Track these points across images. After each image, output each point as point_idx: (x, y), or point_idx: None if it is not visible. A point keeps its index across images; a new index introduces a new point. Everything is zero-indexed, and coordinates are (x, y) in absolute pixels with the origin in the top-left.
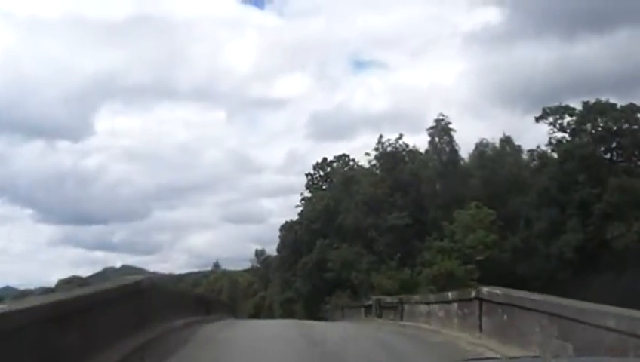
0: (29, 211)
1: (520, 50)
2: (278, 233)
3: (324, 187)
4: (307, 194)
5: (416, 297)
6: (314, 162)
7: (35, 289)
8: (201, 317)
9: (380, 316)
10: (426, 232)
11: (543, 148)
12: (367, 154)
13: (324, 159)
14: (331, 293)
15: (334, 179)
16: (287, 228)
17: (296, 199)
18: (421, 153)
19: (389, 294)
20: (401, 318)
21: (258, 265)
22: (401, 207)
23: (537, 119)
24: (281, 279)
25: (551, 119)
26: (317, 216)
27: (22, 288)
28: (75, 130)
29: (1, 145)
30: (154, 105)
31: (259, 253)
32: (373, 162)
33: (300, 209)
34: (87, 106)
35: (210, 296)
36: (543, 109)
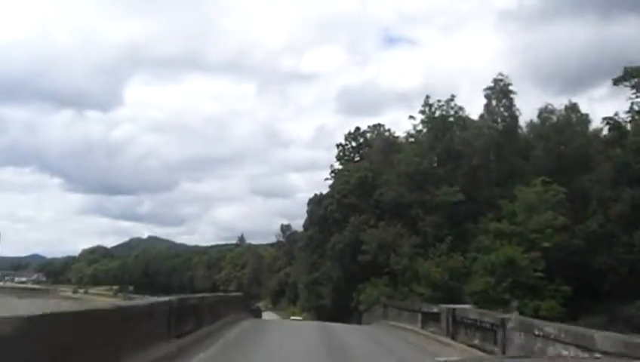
0: (58, 180)
1: (555, 29)
2: (305, 208)
3: (356, 159)
4: (338, 166)
5: (539, 322)
6: (345, 133)
7: (62, 258)
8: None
9: (454, 337)
10: (479, 212)
11: (622, 116)
12: (412, 117)
13: (357, 129)
14: (365, 279)
15: (372, 147)
16: (315, 201)
17: (326, 174)
18: (473, 120)
19: (438, 285)
20: (504, 350)
21: (283, 240)
22: (451, 182)
23: (616, 82)
24: (308, 260)
25: (634, 81)
26: (351, 189)
27: (49, 256)
28: (105, 101)
29: (32, 113)
30: (183, 77)
31: (284, 228)
32: (419, 127)
33: (329, 183)
34: (117, 77)
35: (202, 301)
36: (625, 69)
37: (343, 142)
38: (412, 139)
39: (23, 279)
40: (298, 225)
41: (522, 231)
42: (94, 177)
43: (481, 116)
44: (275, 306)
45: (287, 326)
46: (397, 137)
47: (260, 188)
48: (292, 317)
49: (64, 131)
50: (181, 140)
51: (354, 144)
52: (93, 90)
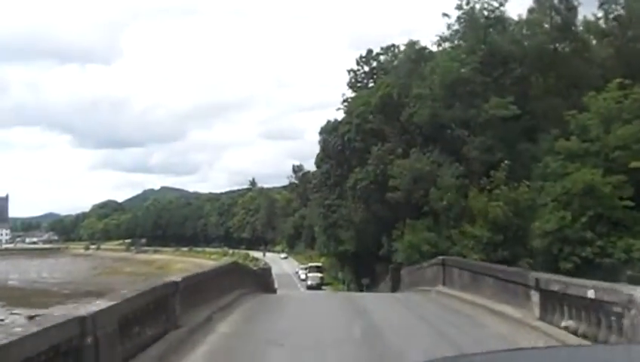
0: (66, 137)
1: None
2: (317, 145)
3: (370, 85)
4: (350, 94)
5: None
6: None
7: (77, 214)
8: None
9: None
10: (538, 128)
11: None
12: (446, 15)
13: (370, 51)
14: (395, 222)
15: (399, 59)
16: (329, 130)
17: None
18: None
19: (497, 225)
20: None
21: (296, 182)
22: (499, 92)
23: None
24: (323, 201)
25: None
26: (372, 111)
27: (64, 213)
28: (105, 53)
29: (34, 72)
30: (183, 24)
31: (296, 169)
32: (455, 26)
33: (342, 112)
34: (116, 28)
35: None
36: None
37: (355, 67)
38: (447, 44)
39: (34, 239)
40: (311, 165)
41: (600, 150)
42: (103, 132)
43: (531, 11)
44: (292, 250)
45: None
46: (425, 47)
47: (270, 131)
48: (310, 264)
49: (68, 88)
50: (187, 89)
51: (367, 69)
52: (93, 43)
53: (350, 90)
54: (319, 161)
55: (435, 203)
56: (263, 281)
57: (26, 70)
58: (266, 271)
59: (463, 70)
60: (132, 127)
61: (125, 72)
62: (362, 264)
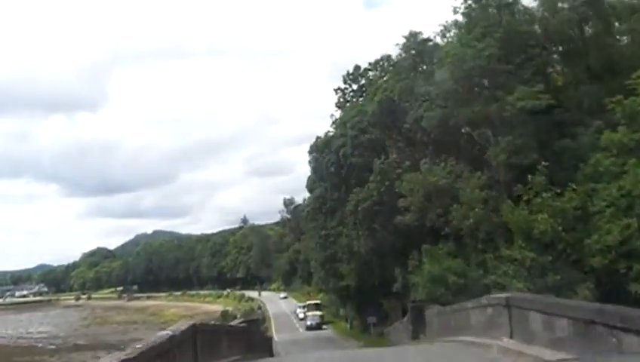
0: (54, 186)
1: None
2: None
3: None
4: (338, 114)
5: None
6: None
7: (69, 264)
8: None
9: None
10: (574, 122)
11: None
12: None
13: (357, 67)
14: (408, 249)
15: (397, 57)
16: (320, 147)
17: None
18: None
19: (543, 242)
20: None
21: (288, 216)
22: (523, 83)
23: None
24: (319, 231)
25: None
26: (370, 121)
27: (55, 264)
28: (91, 99)
29: (19, 123)
30: (167, 67)
31: (287, 202)
32: (461, 8)
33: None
34: (101, 74)
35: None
36: None
37: (342, 85)
38: (453, 32)
39: (25, 292)
40: (303, 199)
41: None
42: (91, 179)
43: None
44: (288, 287)
45: None
46: (428, 39)
47: (260, 168)
48: (308, 302)
49: (56, 137)
50: (175, 131)
51: (355, 87)
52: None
53: (339, 111)
54: (311, 185)
55: (459, 222)
56: (253, 339)
57: (11, 121)
58: (256, 323)
59: (479, 55)
60: (121, 173)
61: (112, 117)
62: (366, 300)
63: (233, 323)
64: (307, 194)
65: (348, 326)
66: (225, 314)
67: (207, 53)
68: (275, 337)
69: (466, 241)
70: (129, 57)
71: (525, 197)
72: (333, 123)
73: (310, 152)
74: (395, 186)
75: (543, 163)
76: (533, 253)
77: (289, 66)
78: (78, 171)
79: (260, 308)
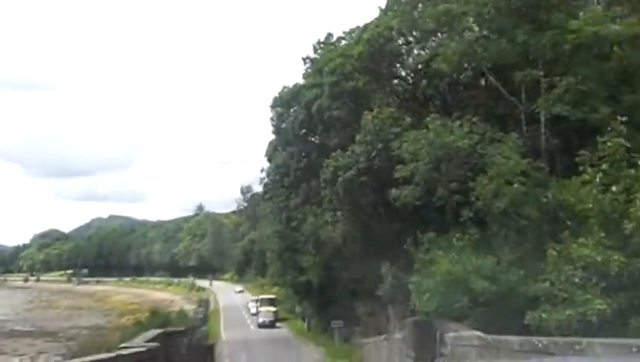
0: (14, 166)
1: None
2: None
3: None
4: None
5: None
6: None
7: (19, 245)
8: None
9: None
10: None
11: None
12: None
13: (329, 35)
14: (406, 238)
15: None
16: (286, 100)
17: None
18: None
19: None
20: None
21: (245, 204)
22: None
23: None
24: (278, 214)
25: None
26: (353, 65)
27: (9, 245)
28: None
29: None
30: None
31: (244, 190)
32: None
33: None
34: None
35: None
36: None
37: (312, 54)
38: None
39: None
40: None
41: None
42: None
43: None
44: (241, 278)
45: None
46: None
47: (220, 157)
48: (262, 296)
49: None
50: (134, 117)
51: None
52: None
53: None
54: (271, 151)
55: (486, 202)
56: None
57: None
58: (180, 336)
59: None
60: (80, 156)
61: (70, 99)
62: (331, 300)
63: (140, 340)
64: (266, 152)
65: (305, 325)
66: (181, 316)
67: (167, 40)
68: (223, 336)
69: (495, 231)
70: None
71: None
72: (306, 73)
73: (273, 107)
74: (392, 148)
75: (620, 117)
76: (618, 252)
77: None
78: (36, 152)
79: (202, 305)
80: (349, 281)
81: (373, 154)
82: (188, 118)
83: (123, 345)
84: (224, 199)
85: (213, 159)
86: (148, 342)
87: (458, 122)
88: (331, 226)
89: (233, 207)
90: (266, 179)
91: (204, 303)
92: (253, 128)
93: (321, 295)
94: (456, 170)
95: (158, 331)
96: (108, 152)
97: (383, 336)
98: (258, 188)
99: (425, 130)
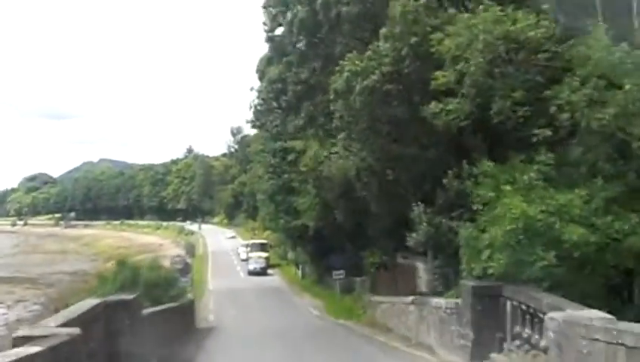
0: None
1: None
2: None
3: None
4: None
5: None
6: None
7: (7, 189)
8: None
9: None
10: None
11: None
12: None
13: None
14: (446, 169)
15: None
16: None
17: None
18: None
19: None
20: None
21: (235, 146)
22: None
23: None
24: (272, 143)
25: None
26: None
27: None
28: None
29: None
30: None
31: (235, 132)
32: None
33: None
34: None
35: None
36: None
37: None
38: None
39: None
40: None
41: None
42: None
43: None
44: (231, 222)
45: None
46: None
47: (205, 95)
48: (252, 241)
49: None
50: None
51: None
52: None
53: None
54: (265, 65)
55: (579, 116)
56: None
57: None
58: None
59: None
60: (72, 98)
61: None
62: (330, 246)
63: None
64: (257, 66)
65: (299, 273)
66: (154, 267)
67: None
68: (210, 285)
69: (581, 156)
70: None
71: None
72: None
73: (265, 7)
74: (430, 44)
75: None
76: None
77: None
78: (27, 93)
79: (187, 251)
80: (356, 226)
81: (404, 52)
82: (180, 59)
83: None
84: (215, 143)
85: (205, 102)
86: (71, 321)
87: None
88: (342, 153)
89: (222, 149)
90: (256, 101)
91: (189, 248)
92: (247, 70)
93: (319, 241)
94: (523, 72)
95: (95, 302)
96: (100, 94)
97: (410, 298)
98: (249, 131)
99: (476, 14)
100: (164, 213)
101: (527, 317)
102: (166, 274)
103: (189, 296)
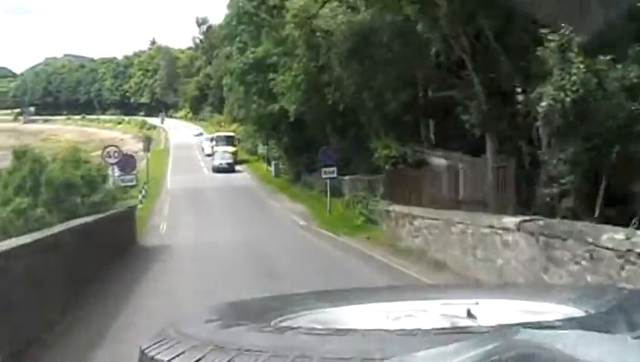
0: None
1: None
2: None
3: None
4: None
5: None
6: None
7: None
8: None
9: None
10: None
11: None
12: None
13: None
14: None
15: None
16: None
17: None
18: None
19: None
20: None
21: (200, 37)
22: None
23: None
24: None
25: None
26: None
27: None
28: None
29: None
30: None
31: (200, 22)
32: None
33: None
34: None
35: None
36: None
37: None
38: None
39: None
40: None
41: None
42: None
43: None
44: (196, 116)
45: None
46: None
47: None
48: (218, 133)
49: None
50: None
51: None
52: None
53: None
54: None
55: None
56: None
57: None
58: None
59: None
60: None
61: None
62: (315, 138)
63: None
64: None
65: (272, 170)
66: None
67: None
68: (168, 183)
69: None
70: None
71: None
72: None
73: None
74: None
75: None
76: None
77: None
78: None
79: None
80: (357, 103)
81: None
82: None
83: None
84: (181, 35)
85: None
86: None
87: None
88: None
89: (188, 42)
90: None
91: (146, 142)
92: None
93: (298, 132)
94: None
95: None
96: None
97: (513, 219)
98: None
99: None
100: (126, 107)
101: None
102: (89, 171)
103: (131, 201)
